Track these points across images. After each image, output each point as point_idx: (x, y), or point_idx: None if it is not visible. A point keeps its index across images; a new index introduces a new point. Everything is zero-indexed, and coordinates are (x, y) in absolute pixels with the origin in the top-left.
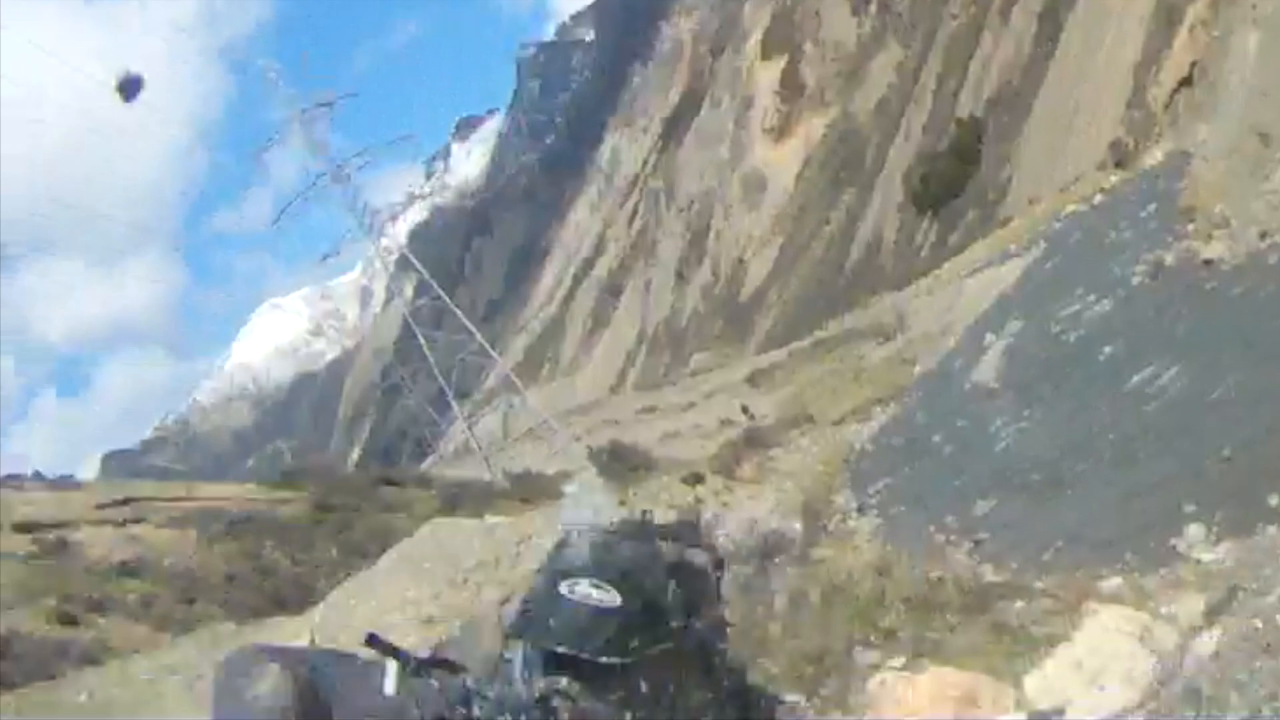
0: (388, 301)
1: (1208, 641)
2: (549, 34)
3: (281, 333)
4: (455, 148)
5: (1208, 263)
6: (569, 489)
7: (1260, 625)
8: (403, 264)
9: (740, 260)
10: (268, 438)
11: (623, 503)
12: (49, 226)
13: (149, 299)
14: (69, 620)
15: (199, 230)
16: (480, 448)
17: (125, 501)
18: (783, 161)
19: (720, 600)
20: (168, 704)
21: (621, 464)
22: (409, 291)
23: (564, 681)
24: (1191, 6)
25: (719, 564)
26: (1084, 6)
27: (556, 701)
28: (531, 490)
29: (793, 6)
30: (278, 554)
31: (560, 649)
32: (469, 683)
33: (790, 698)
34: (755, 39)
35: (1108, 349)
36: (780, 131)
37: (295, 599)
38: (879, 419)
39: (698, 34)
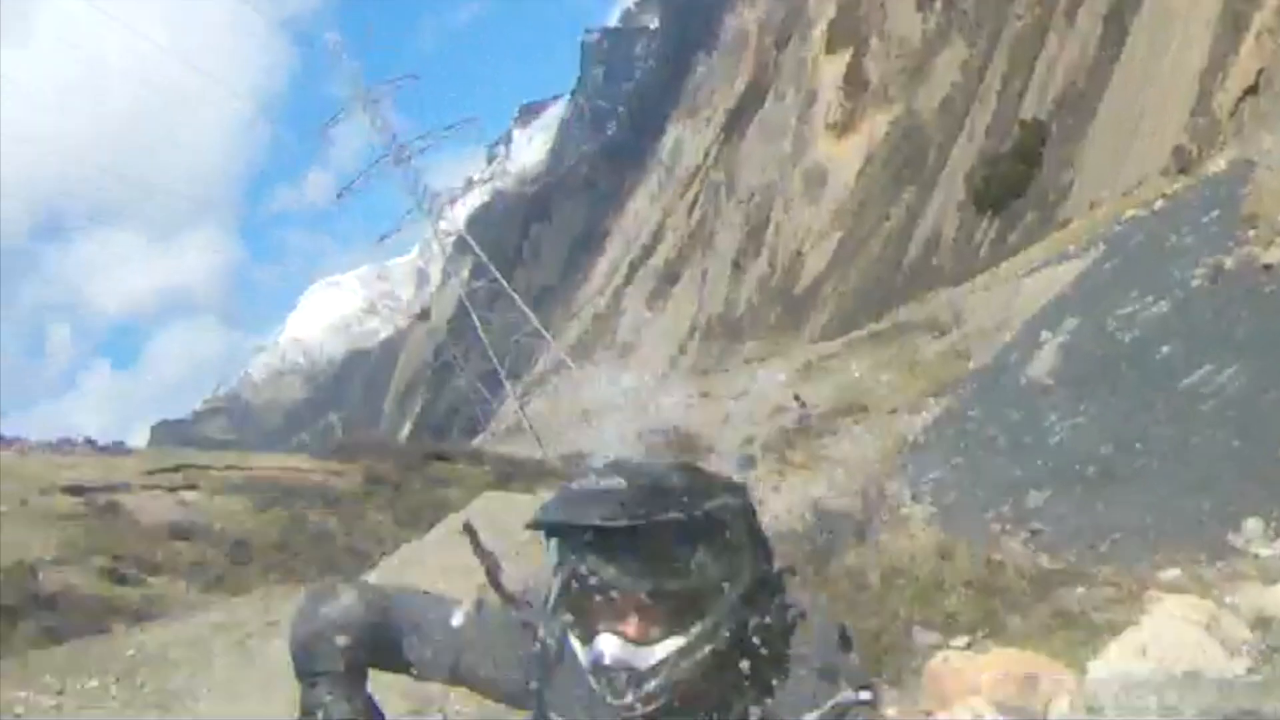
0: (444, 282)
1: None
2: (614, 20)
3: (336, 310)
4: (517, 133)
5: (1268, 267)
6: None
7: None
8: (460, 247)
9: (798, 253)
10: (319, 413)
11: None
12: (108, 198)
13: (205, 272)
14: (119, 579)
15: (258, 206)
16: (532, 426)
17: (176, 469)
18: (844, 157)
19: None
20: (218, 660)
21: (672, 448)
22: (465, 274)
23: (585, 559)
24: (1258, 13)
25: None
26: (1149, 10)
27: (575, 584)
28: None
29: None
30: (330, 522)
31: (563, 520)
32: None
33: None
34: (820, 30)
35: (1164, 349)
36: (843, 127)
37: (347, 567)
38: (933, 411)
39: (763, 24)
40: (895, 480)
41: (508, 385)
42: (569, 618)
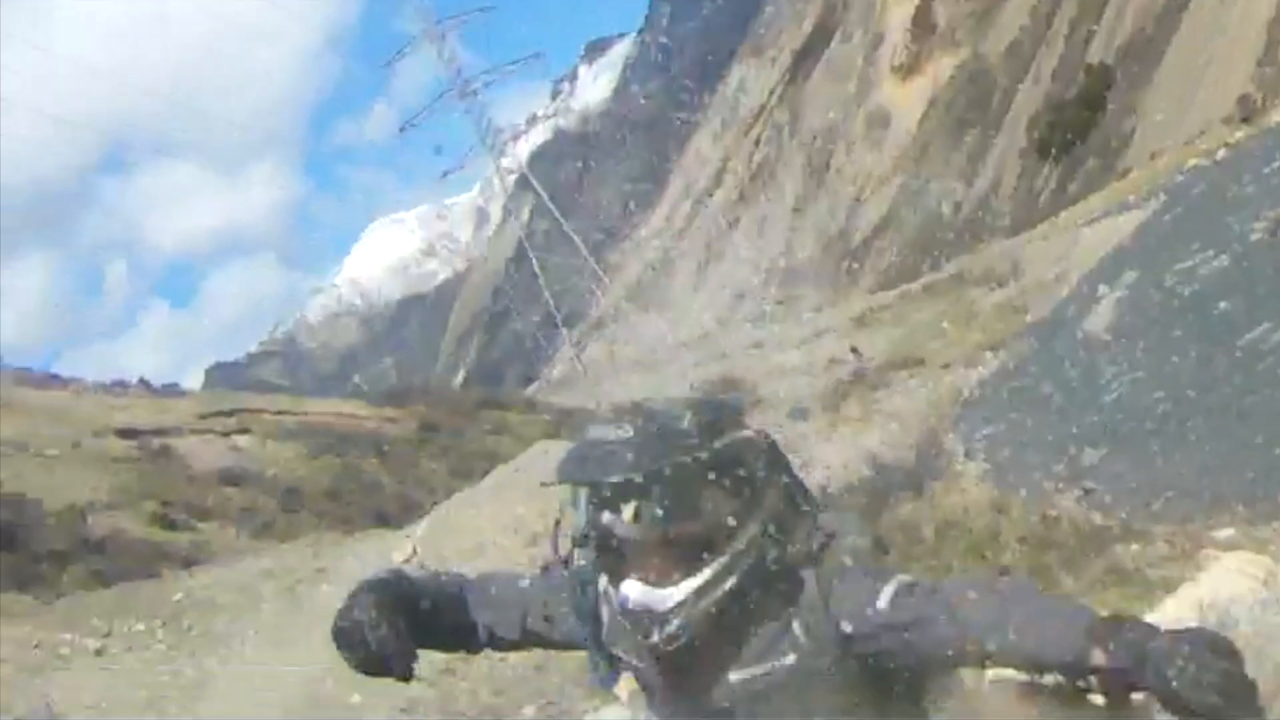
0: (503, 222)
1: None
2: None
3: (394, 251)
4: (582, 70)
5: None
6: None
7: None
8: (521, 184)
9: (858, 200)
10: (374, 356)
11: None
12: (172, 130)
13: (266, 208)
14: (169, 524)
15: (321, 139)
16: (587, 373)
17: (230, 413)
18: (908, 101)
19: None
20: (265, 606)
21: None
22: (525, 214)
23: (603, 510)
24: None
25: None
26: None
27: (600, 533)
28: None
29: None
30: (382, 471)
31: (577, 478)
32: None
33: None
34: None
35: (1223, 304)
36: (909, 69)
37: (397, 515)
38: (989, 365)
39: None
40: (949, 436)
41: (564, 331)
42: (601, 564)
